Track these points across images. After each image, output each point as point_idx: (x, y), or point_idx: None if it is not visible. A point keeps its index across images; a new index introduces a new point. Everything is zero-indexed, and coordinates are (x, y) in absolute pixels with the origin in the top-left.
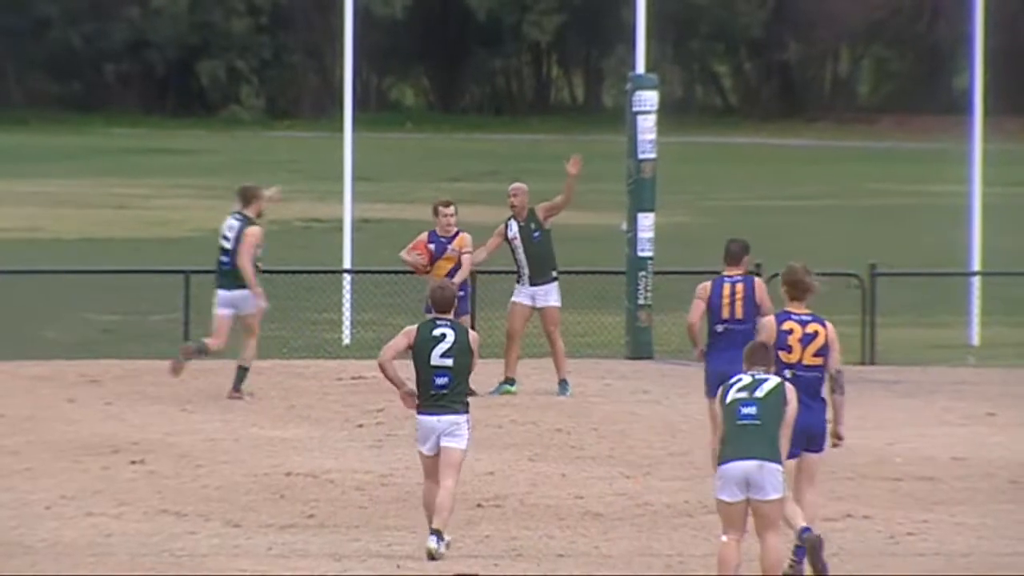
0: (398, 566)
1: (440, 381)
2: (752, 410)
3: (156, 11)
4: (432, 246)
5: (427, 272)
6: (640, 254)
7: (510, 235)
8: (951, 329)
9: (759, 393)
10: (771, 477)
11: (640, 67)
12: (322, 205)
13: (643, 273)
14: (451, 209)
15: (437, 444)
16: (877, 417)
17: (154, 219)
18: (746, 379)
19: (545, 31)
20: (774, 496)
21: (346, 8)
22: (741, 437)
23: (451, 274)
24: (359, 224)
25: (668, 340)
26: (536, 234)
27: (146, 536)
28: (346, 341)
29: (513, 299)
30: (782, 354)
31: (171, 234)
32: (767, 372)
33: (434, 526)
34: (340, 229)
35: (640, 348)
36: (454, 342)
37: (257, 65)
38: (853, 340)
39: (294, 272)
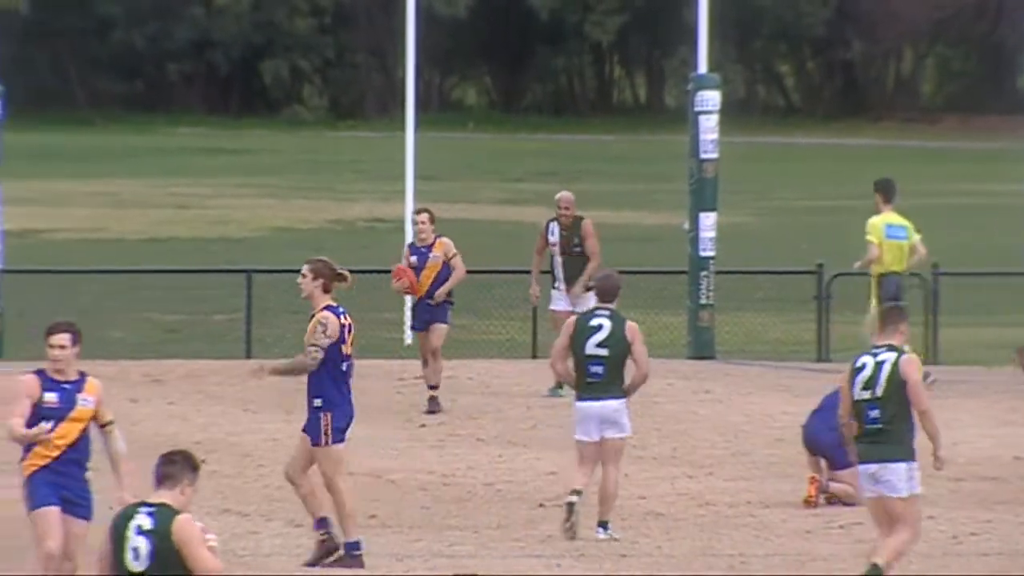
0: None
1: (595, 369)
2: (876, 413)
3: (219, 10)
4: (414, 258)
5: (418, 294)
6: (702, 254)
7: (551, 239)
8: (1015, 329)
9: (879, 391)
10: (893, 476)
11: (702, 67)
12: (384, 205)
13: (705, 273)
14: (423, 216)
15: (594, 431)
16: (941, 417)
17: (216, 219)
18: (869, 368)
19: (607, 31)
20: (898, 495)
21: (408, 8)
22: (867, 438)
23: (436, 283)
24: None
25: (730, 340)
26: (577, 248)
27: None
28: (407, 341)
29: (552, 307)
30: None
31: (233, 234)
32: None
33: (601, 517)
34: (402, 229)
35: (702, 348)
36: (610, 333)
37: (320, 65)
38: (916, 340)
39: (356, 271)
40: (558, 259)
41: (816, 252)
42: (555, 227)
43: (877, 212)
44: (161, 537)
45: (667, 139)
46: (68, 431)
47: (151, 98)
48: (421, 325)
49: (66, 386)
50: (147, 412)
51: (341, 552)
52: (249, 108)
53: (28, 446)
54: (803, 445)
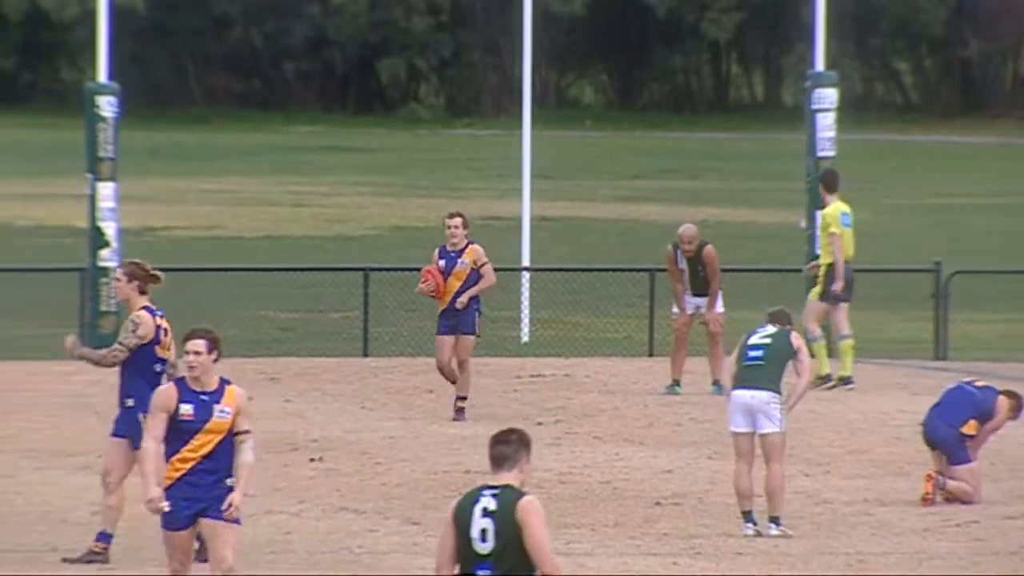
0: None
1: (753, 354)
2: None
3: (336, 9)
4: (443, 262)
5: (441, 297)
6: (819, 252)
7: (679, 265)
8: None
9: None
10: None
11: (819, 65)
12: (501, 203)
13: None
14: (456, 220)
15: (748, 423)
16: None
17: (333, 217)
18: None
19: (725, 29)
20: None
21: (525, 6)
22: None
23: (464, 289)
24: (537, 222)
25: None
26: (701, 273)
27: (325, 534)
28: (524, 339)
29: (675, 308)
30: None
31: (350, 232)
32: None
33: (771, 513)
34: (518, 227)
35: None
36: (771, 341)
37: (436, 63)
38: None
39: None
40: (686, 279)
41: (934, 250)
42: (680, 256)
43: (824, 205)
44: (505, 518)
45: (784, 137)
46: (203, 443)
47: (267, 96)
48: (446, 330)
49: (203, 397)
50: (263, 410)
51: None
52: (365, 106)
53: (169, 454)
54: (924, 441)
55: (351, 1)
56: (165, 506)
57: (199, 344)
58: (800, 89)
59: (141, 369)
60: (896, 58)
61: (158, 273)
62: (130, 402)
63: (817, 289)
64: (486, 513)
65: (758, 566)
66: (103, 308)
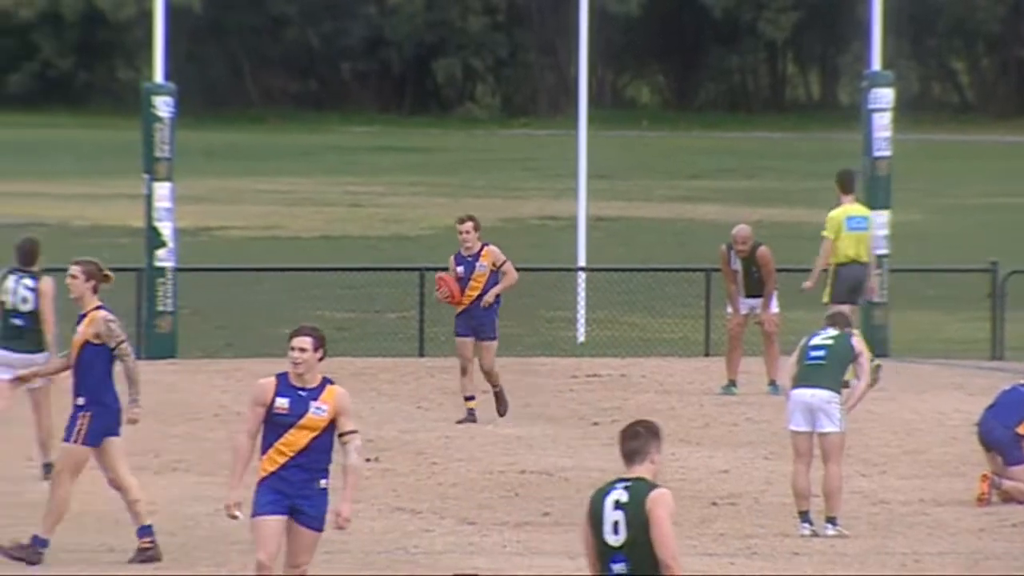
0: None
1: (815, 354)
2: None
3: (393, 9)
4: (460, 268)
5: (460, 303)
6: (875, 252)
7: (733, 265)
8: None
9: None
10: None
11: (876, 64)
12: (557, 203)
13: (878, 271)
14: (466, 225)
15: (808, 422)
16: None
17: (389, 217)
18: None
19: (781, 28)
20: None
21: (581, 6)
22: None
23: (483, 293)
24: (593, 222)
25: (903, 338)
26: (755, 274)
27: (381, 533)
28: (580, 339)
29: (729, 309)
30: None
31: (406, 232)
32: None
33: (828, 513)
34: (574, 227)
35: (875, 346)
36: (833, 342)
37: (492, 63)
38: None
39: (528, 270)
40: (740, 279)
41: (989, 250)
42: (735, 258)
43: (837, 205)
44: (636, 510)
45: (840, 136)
46: (296, 438)
47: (324, 96)
48: (465, 331)
49: (301, 392)
50: None
51: (26, 542)
52: (422, 107)
53: (264, 448)
54: (979, 442)
55: (407, 1)
56: (237, 515)
57: (305, 341)
58: (856, 89)
59: (98, 369)
60: (952, 57)
61: (110, 273)
62: (81, 401)
63: (827, 290)
64: (618, 506)
65: (814, 566)
66: (160, 308)
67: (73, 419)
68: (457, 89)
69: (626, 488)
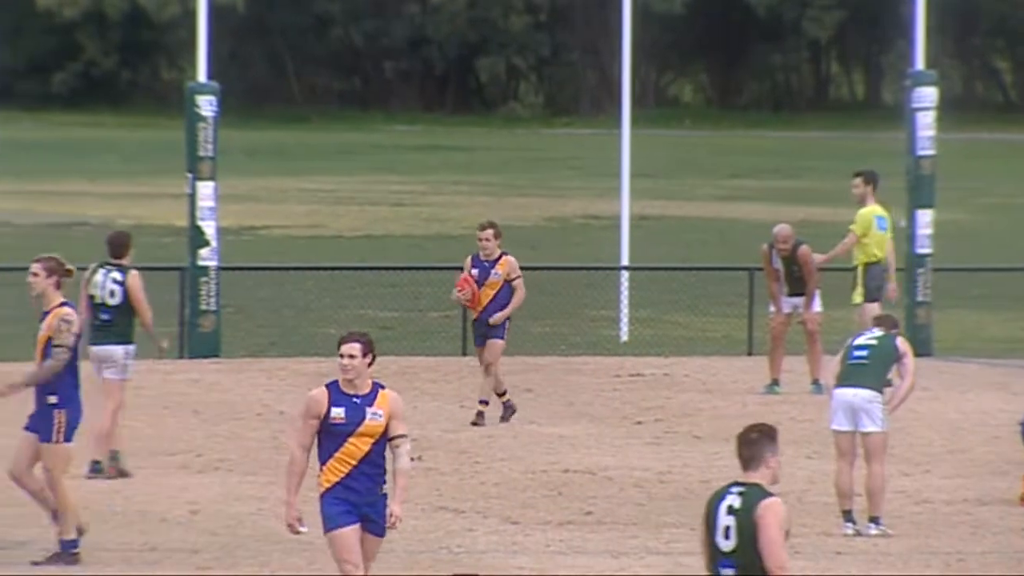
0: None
1: (858, 354)
2: None
3: (436, 8)
4: (476, 271)
5: (475, 307)
6: (919, 251)
7: (774, 264)
8: None
9: None
10: None
11: (919, 63)
12: (600, 202)
13: (921, 270)
14: (487, 232)
15: (851, 421)
16: None
17: (432, 216)
18: None
19: (825, 27)
20: None
21: (624, 5)
22: None
23: (495, 300)
24: (636, 221)
25: (947, 337)
26: (796, 273)
27: (424, 533)
28: (623, 338)
29: (771, 308)
30: None
31: (449, 231)
32: None
33: (871, 513)
34: (617, 226)
35: (919, 345)
36: (877, 342)
37: (535, 62)
38: None
39: (571, 269)
40: (782, 277)
41: None
42: (775, 256)
43: (863, 204)
44: (746, 517)
45: (884, 136)
46: (357, 446)
47: (367, 95)
48: (480, 341)
49: (355, 400)
50: None
51: (58, 549)
52: (465, 106)
53: (323, 459)
54: (1021, 441)
55: (450, 0)
56: (302, 530)
57: (354, 347)
58: (900, 88)
59: (65, 366)
60: (996, 57)
61: (72, 268)
62: (52, 399)
63: (859, 291)
64: (730, 511)
65: (857, 565)
66: (203, 307)
67: (48, 418)
68: (500, 88)
69: (740, 494)
